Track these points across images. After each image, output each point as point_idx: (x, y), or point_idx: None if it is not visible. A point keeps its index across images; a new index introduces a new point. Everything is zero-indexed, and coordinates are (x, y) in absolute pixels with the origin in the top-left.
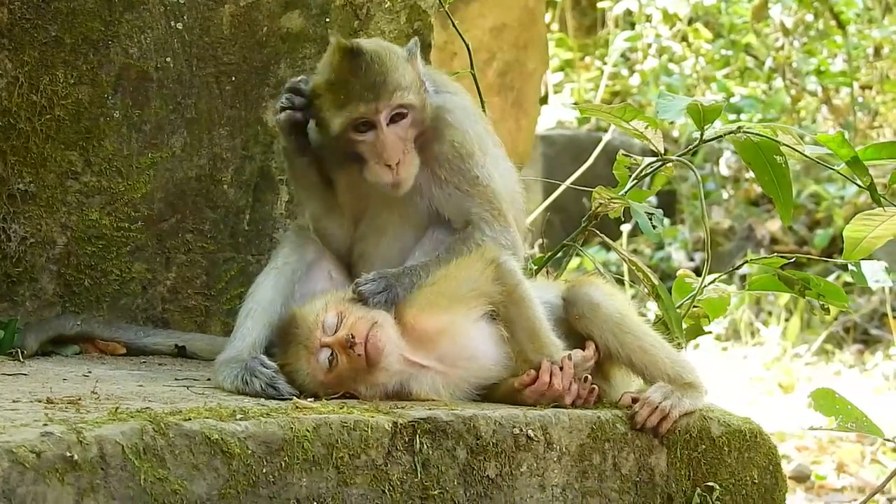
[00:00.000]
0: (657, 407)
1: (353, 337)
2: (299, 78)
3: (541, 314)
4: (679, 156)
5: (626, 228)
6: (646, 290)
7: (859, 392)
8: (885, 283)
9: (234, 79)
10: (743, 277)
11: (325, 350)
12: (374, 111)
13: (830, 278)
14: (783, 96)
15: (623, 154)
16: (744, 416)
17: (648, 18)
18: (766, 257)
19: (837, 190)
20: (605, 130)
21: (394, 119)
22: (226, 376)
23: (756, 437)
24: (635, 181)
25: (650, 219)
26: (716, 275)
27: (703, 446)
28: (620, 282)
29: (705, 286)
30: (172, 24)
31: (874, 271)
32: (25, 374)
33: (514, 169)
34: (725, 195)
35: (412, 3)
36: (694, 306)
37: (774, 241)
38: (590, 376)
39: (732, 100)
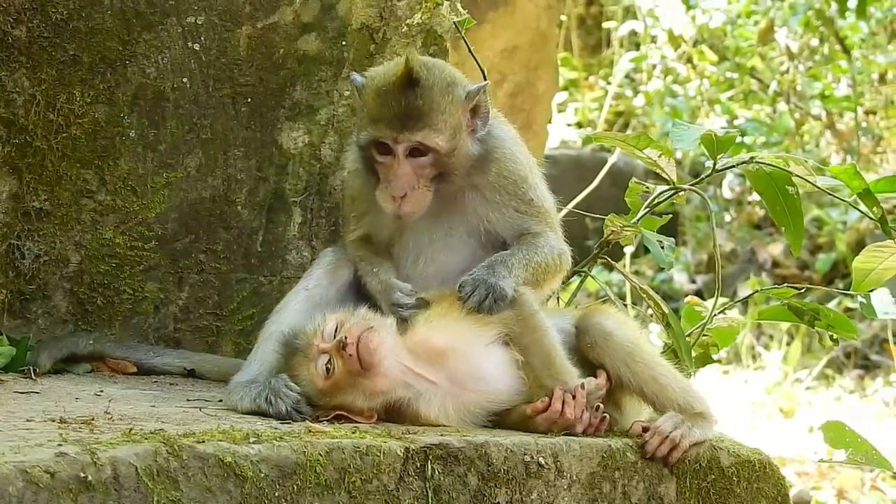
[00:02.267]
0: (668, 436)
1: (345, 338)
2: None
3: (556, 342)
4: (692, 184)
5: (628, 250)
6: (650, 312)
7: (860, 418)
8: (895, 315)
9: (249, 100)
10: (745, 301)
11: (322, 356)
12: (394, 140)
13: (831, 304)
14: (787, 120)
15: (636, 182)
16: (753, 446)
17: (654, 39)
18: (775, 287)
19: (840, 215)
20: (610, 152)
21: (414, 153)
22: (243, 396)
23: (766, 468)
24: (648, 209)
25: (662, 247)
26: (725, 301)
27: (713, 476)
28: (622, 304)
29: (715, 315)
30: (190, 44)
31: (884, 303)
32: (38, 393)
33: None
34: (728, 218)
35: (428, 27)
36: (703, 335)
37: (776, 264)
38: (601, 405)
39: (736, 122)
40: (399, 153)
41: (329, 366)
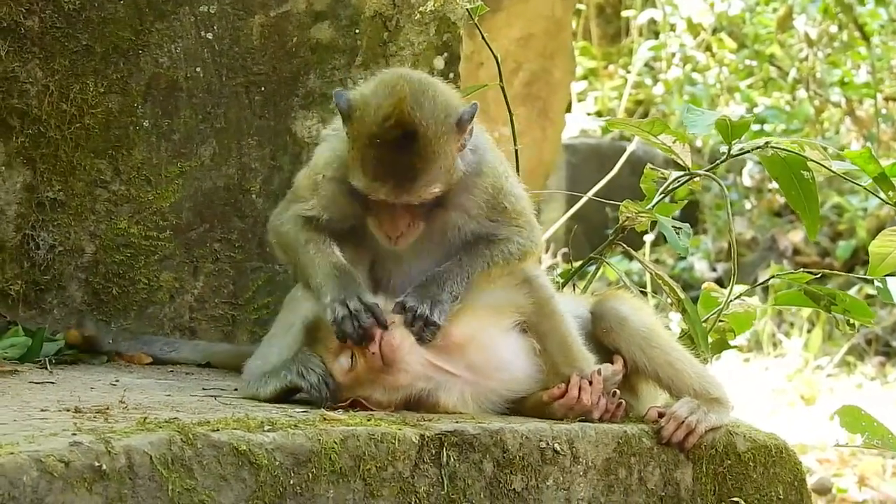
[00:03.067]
0: (683, 422)
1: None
2: (345, 97)
3: (572, 328)
4: (707, 170)
5: (648, 238)
6: (669, 300)
7: (881, 404)
8: None
9: (263, 89)
10: (766, 289)
11: (345, 351)
12: (393, 201)
13: (852, 291)
14: (807, 107)
15: (650, 168)
16: (769, 431)
17: (673, 28)
18: (792, 272)
19: (860, 202)
20: (630, 140)
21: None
22: (266, 382)
23: (782, 453)
24: (663, 195)
25: (678, 233)
26: (741, 288)
27: (729, 461)
28: (643, 292)
29: (731, 300)
30: (202, 33)
31: None
32: (53, 383)
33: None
34: (748, 205)
35: (441, 14)
36: (720, 320)
37: (797, 252)
38: (618, 391)
39: (756, 110)
40: (397, 206)
41: (351, 360)
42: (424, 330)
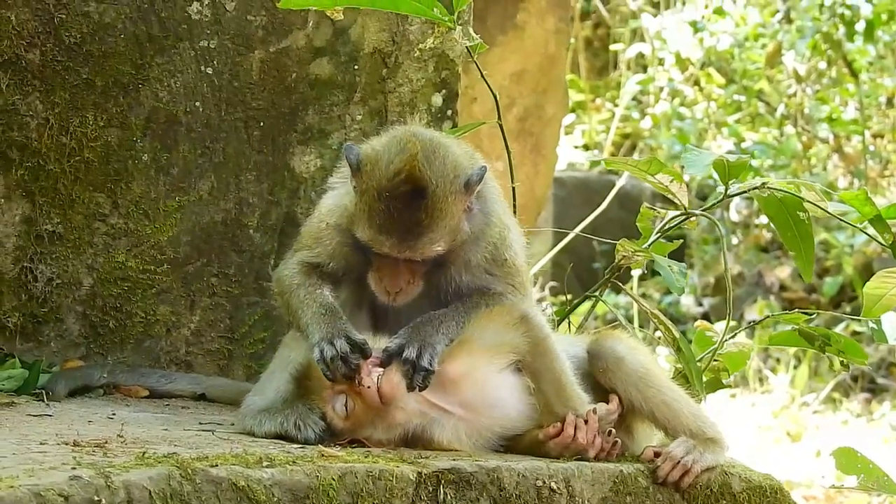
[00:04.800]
0: (679, 461)
1: (359, 377)
2: (355, 150)
3: (567, 367)
4: (703, 209)
5: (636, 273)
6: (658, 335)
7: (867, 442)
8: None
9: (262, 124)
10: (753, 326)
11: (339, 397)
12: (396, 255)
13: (839, 328)
14: (795, 143)
15: (647, 207)
16: (765, 472)
17: (661, 62)
18: (786, 312)
19: (847, 238)
20: (618, 175)
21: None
22: (262, 421)
23: (776, 494)
24: (659, 234)
25: (673, 272)
26: (733, 325)
27: (724, 502)
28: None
29: (726, 340)
30: (202, 68)
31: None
32: (51, 416)
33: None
34: (735, 241)
35: (440, 52)
36: (714, 360)
37: (783, 287)
38: (613, 430)
39: (743, 145)
40: (399, 262)
41: (347, 405)
42: (414, 376)
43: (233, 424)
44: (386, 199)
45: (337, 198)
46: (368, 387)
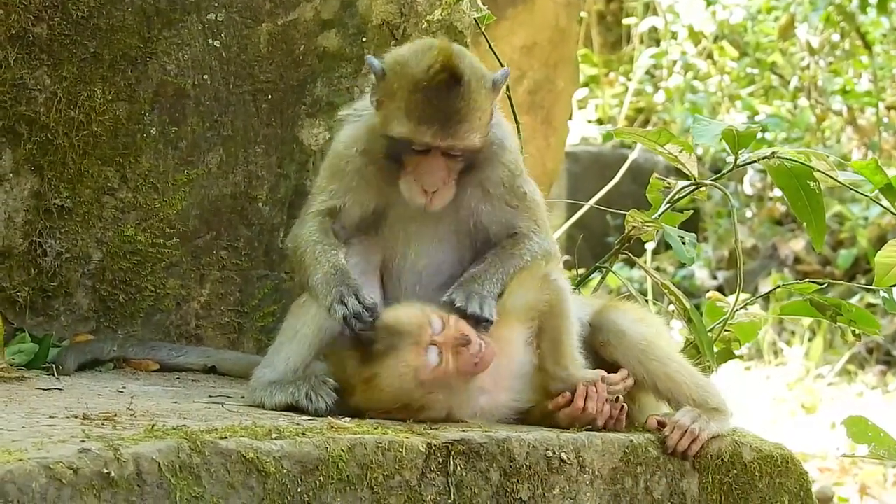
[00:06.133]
0: (686, 430)
1: (466, 336)
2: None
3: (574, 331)
4: (713, 180)
5: (649, 246)
6: (672, 308)
7: (882, 413)
8: None
9: (270, 97)
10: (767, 297)
11: (433, 348)
12: (438, 144)
13: (853, 300)
14: (808, 115)
15: (657, 177)
16: (776, 441)
17: (674, 36)
18: (798, 282)
19: (861, 210)
20: (631, 148)
21: (450, 152)
22: (273, 393)
23: (788, 463)
24: (669, 205)
25: (683, 242)
26: (746, 297)
27: (735, 471)
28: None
29: (736, 310)
30: (210, 41)
31: None
32: (60, 389)
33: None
34: (749, 214)
35: (448, 23)
36: (725, 330)
37: (798, 260)
38: (620, 396)
39: (757, 118)
40: (438, 153)
41: (439, 358)
42: (478, 326)
43: (243, 397)
44: (423, 89)
45: (353, 127)
46: (472, 354)
